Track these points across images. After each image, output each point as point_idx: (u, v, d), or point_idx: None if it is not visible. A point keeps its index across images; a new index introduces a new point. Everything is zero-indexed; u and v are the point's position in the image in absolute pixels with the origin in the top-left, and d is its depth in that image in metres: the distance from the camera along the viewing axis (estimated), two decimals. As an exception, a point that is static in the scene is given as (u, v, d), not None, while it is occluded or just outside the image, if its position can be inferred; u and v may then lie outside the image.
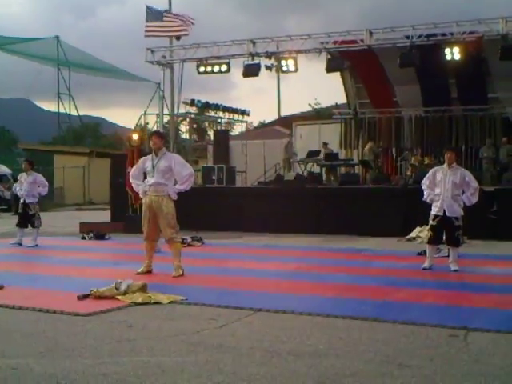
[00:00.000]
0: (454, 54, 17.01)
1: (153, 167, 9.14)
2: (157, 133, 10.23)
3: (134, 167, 9.74)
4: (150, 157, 9.35)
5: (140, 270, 9.27)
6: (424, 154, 21.32)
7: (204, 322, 6.22)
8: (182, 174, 9.15)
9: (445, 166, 9.89)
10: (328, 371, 4.67)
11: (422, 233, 14.74)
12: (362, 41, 17.41)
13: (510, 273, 9.73)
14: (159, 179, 9.11)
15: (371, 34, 17.25)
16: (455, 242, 9.78)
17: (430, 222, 9.91)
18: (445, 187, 9.66)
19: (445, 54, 17.11)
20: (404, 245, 14.05)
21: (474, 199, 9.79)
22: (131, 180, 9.64)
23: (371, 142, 21.80)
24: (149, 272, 9.31)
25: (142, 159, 9.71)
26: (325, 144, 21.60)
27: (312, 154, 20.63)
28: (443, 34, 16.83)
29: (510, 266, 10.46)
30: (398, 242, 14.58)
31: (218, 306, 6.94)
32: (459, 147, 21.53)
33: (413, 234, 14.92)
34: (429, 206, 9.98)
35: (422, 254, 11.72)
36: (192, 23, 21.52)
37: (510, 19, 16.09)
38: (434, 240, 9.93)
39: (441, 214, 9.66)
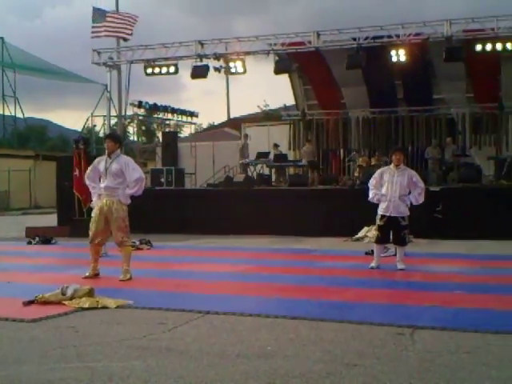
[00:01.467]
0: (399, 55, 17.26)
1: (105, 170, 9.02)
2: (110, 136, 9.96)
3: (89, 168, 9.54)
4: (104, 158, 9.20)
5: (87, 274, 9.14)
6: (371, 155, 21.60)
7: (152, 326, 6.16)
8: (133, 178, 9.03)
9: (392, 166, 10.02)
10: (276, 372, 4.67)
11: (369, 232, 14.93)
12: (309, 43, 17.51)
13: (455, 271, 9.93)
14: (110, 183, 8.99)
15: (318, 35, 17.36)
16: (402, 241, 9.92)
17: (377, 222, 10.04)
18: (392, 188, 9.78)
19: (391, 56, 17.35)
20: (351, 244, 14.20)
21: (421, 199, 9.95)
22: (87, 181, 9.47)
23: (309, 144, 21.96)
24: (96, 275, 9.18)
25: (96, 160, 9.50)
26: (275, 145, 21.66)
27: (261, 156, 20.67)
28: (389, 36, 17.04)
29: (455, 264, 10.66)
30: (346, 241, 14.73)
31: (166, 310, 6.88)
32: (406, 148, 21.89)
33: (360, 234, 15.10)
34: (376, 206, 10.10)
35: (370, 253, 11.85)
36: (135, 21, 21.38)
37: (454, 21, 16.38)
38: (381, 239, 10.04)
39: (387, 214, 9.79)
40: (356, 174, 19.23)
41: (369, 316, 6.43)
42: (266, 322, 6.31)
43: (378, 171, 10.24)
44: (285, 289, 8.39)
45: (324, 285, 8.66)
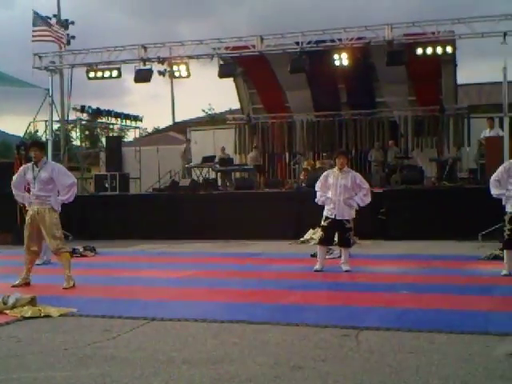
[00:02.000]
0: (342, 59, 17.41)
1: (34, 178, 8.85)
2: (35, 144, 9.55)
3: (15, 176, 9.31)
4: (30, 166, 9.00)
5: (17, 283, 8.93)
6: (316, 158, 21.80)
7: (96, 334, 6.06)
8: (64, 184, 8.87)
9: (336, 169, 10.10)
10: (222, 377, 4.64)
11: (315, 235, 15.00)
12: (253, 46, 17.52)
13: (399, 271, 10.07)
14: (40, 191, 8.81)
15: (262, 40, 17.38)
16: (346, 243, 10.01)
17: (322, 223, 10.10)
18: (336, 191, 9.87)
19: (334, 60, 17.51)
20: (297, 247, 14.26)
21: (367, 199, 10.06)
22: (12, 189, 9.26)
23: (255, 150, 22.06)
24: (26, 284, 8.95)
25: (22, 168, 9.27)
26: (223, 149, 21.64)
27: (207, 160, 20.60)
28: (332, 40, 17.18)
29: (399, 265, 10.81)
30: (292, 244, 14.79)
31: (110, 317, 6.77)
32: (349, 151, 22.14)
33: (306, 237, 15.19)
34: (322, 209, 10.16)
35: (315, 256, 11.93)
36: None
37: (395, 26, 16.59)
38: (324, 241, 10.10)
39: (332, 216, 9.86)
40: (301, 177, 19.34)
41: (314, 318, 6.47)
42: (212, 327, 6.27)
43: (324, 174, 10.30)
44: (231, 293, 8.36)
45: (270, 288, 8.67)
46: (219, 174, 20.94)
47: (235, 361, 5.08)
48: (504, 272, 9.23)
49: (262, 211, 16.62)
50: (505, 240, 9.34)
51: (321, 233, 10.23)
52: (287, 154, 23.02)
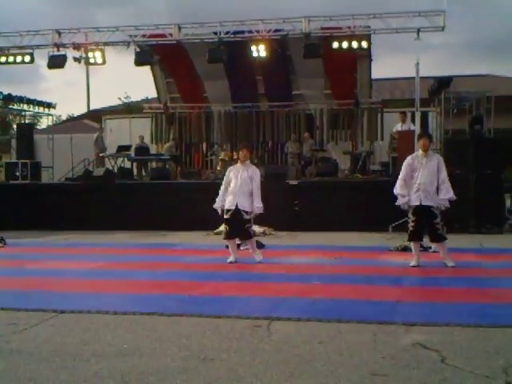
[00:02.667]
0: (259, 51, 17.47)
1: None
2: None
3: None
4: None
5: None
6: (233, 149, 21.79)
7: (1, 328, 5.87)
8: None
9: (238, 163, 10.20)
10: (132, 370, 4.58)
11: (230, 226, 15.06)
12: (170, 35, 17.35)
13: (312, 262, 10.20)
14: None
15: (180, 28, 17.23)
16: (246, 234, 10.03)
17: (224, 216, 10.11)
18: (236, 183, 9.93)
19: (251, 51, 17.55)
20: (213, 238, 14.25)
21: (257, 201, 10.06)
22: None
23: (172, 141, 21.93)
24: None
25: None
26: (141, 137, 21.34)
27: (122, 149, 20.26)
28: (250, 31, 17.21)
29: (313, 256, 10.95)
30: (208, 235, 14.78)
31: (17, 310, 6.58)
32: (266, 142, 22.28)
33: (222, 228, 15.15)
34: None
35: (228, 247, 11.97)
36: None
37: (312, 19, 16.76)
38: (230, 234, 10.10)
39: (233, 207, 9.90)
40: (218, 168, 19.32)
41: (227, 309, 6.46)
42: (123, 320, 6.19)
43: (229, 168, 10.38)
44: (143, 285, 8.26)
45: (183, 280, 8.63)
46: (135, 163, 20.65)
47: (146, 353, 5.03)
48: (412, 263, 9.50)
49: (179, 202, 16.54)
50: (409, 232, 9.59)
51: (225, 227, 10.20)
52: (204, 145, 22.93)
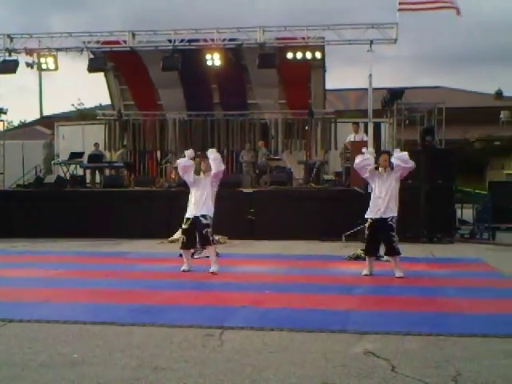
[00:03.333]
0: (214, 60, 17.48)
1: None
2: None
3: None
4: None
5: None
6: (188, 157, 21.69)
7: None
8: None
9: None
10: (82, 381, 4.53)
11: (184, 234, 14.99)
12: (124, 42, 17.22)
13: (266, 271, 10.19)
14: None
15: (134, 35, 17.12)
16: (205, 240, 9.94)
17: (182, 226, 10.05)
18: (197, 191, 9.90)
19: (206, 60, 17.54)
20: (167, 246, 14.16)
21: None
22: None
23: (123, 148, 21.79)
24: None
25: None
26: (96, 145, 21.10)
27: (74, 156, 20.00)
28: (205, 40, 17.19)
29: (266, 265, 10.94)
30: (161, 244, 14.68)
31: (-37, 320, 6.43)
32: (221, 151, 22.24)
33: (175, 236, 15.09)
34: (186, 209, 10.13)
35: (181, 255, 11.90)
36: None
37: (267, 29, 16.85)
38: (186, 244, 10.04)
39: (191, 216, 9.86)
40: (172, 176, 19.21)
41: (179, 319, 6.42)
42: (74, 329, 6.09)
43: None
44: (96, 293, 8.16)
45: (136, 288, 8.53)
46: (88, 170, 20.38)
47: (96, 363, 4.96)
48: (364, 272, 9.59)
49: (132, 210, 16.43)
50: (365, 245, 9.70)
51: (182, 236, 10.10)
52: (159, 153, 22.79)
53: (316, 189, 17.41)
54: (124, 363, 4.95)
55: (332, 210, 15.59)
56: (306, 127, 21.50)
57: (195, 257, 11.69)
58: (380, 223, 9.44)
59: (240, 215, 15.69)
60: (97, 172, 20.35)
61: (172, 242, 14.88)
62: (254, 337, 5.77)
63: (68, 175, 19.48)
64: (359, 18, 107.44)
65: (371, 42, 15.91)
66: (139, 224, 16.00)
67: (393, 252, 9.47)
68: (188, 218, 9.92)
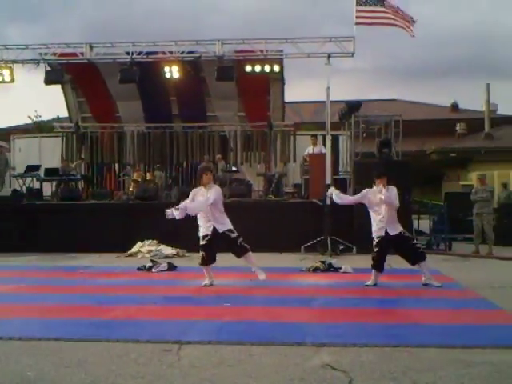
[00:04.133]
0: (173, 72, 17.46)
1: None
2: None
3: None
4: None
5: None
6: (147, 170, 21.62)
7: None
8: None
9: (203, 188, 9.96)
10: (34, 399, 4.43)
11: (143, 248, 14.91)
12: (82, 54, 17.10)
13: (223, 284, 10.10)
14: None
15: (91, 48, 17.02)
16: (243, 250, 10.06)
17: (201, 243, 9.82)
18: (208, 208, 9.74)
19: (164, 72, 17.51)
20: (125, 260, 14.03)
21: None
22: None
23: (80, 161, 21.62)
24: None
25: None
26: (64, 159, 20.93)
27: (31, 169, 19.71)
28: (163, 53, 17.16)
29: (223, 278, 10.84)
30: (119, 257, 14.53)
31: None
32: (180, 163, 22.20)
33: (134, 250, 15.00)
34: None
35: (142, 269, 11.84)
36: None
37: (225, 42, 16.89)
38: (206, 261, 9.84)
39: (209, 233, 9.76)
40: (131, 189, 19.08)
41: (136, 334, 6.35)
42: (28, 346, 5.98)
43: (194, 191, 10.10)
44: (51, 309, 8.01)
45: (93, 303, 8.41)
46: (44, 183, 20.08)
47: (50, 380, 4.91)
48: (369, 282, 9.79)
49: (90, 223, 16.23)
50: (373, 262, 9.79)
51: (202, 252, 9.84)
52: (117, 165, 22.63)
53: (275, 201, 17.44)
54: (79, 380, 4.89)
55: (291, 222, 15.64)
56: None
57: (153, 271, 11.66)
58: (388, 241, 9.64)
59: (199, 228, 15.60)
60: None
61: (130, 255, 14.77)
62: (211, 351, 5.73)
63: (24, 188, 19.17)
64: (317, 32, 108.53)
65: (329, 56, 16.08)
66: (97, 238, 15.80)
67: (420, 258, 9.67)
68: (206, 235, 9.73)
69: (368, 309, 7.99)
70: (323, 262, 12.06)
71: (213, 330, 6.59)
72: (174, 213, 9.59)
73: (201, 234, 9.80)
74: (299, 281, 10.59)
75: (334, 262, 12.28)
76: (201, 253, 9.86)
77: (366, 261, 11.77)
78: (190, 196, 9.97)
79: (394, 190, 9.85)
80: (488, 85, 47.18)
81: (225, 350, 5.77)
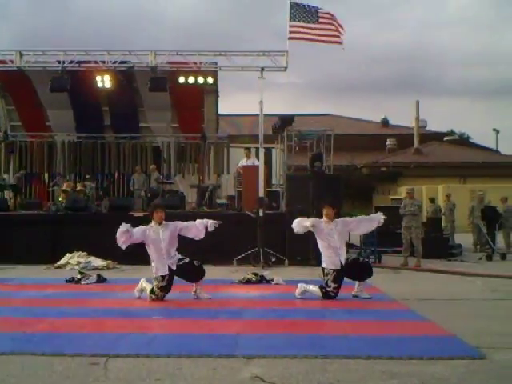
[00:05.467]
0: (105, 82, 17.29)
1: None
2: None
3: None
4: None
5: None
6: (77, 180, 21.25)
7: None
8: None
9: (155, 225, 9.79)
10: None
11: (72, 259, 14.64)
12: (11, 62, 16.72)
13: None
14: None
15: (21, 55, 16.66)
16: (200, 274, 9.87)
17: (160, 285, 9.50)
18: (160, 245, 9.59)
19: (96, 82, 17.30)
20: (53, 272, 13.73)
21: None
22: None
23: (23, 171, 21.17)
24: None
25: None
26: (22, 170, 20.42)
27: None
28: (95, 62, 16.92)
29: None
30: (47, 269, 14.21)
31: None
32: (112, 174, 21.92)
33: (63, 261, 14.70)
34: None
35: (71, 281, 11.62)
36: None
37: (158, 52, 16.80)
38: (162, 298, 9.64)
39: (167, 273, 9.55)
40: (60, 199, 18.70)
41: (63, 347, 6.19)
42: None
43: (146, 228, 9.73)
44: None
45: (18, 316, 8.18)
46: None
47: (-30, 396, 4.71)
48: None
49: (17, 234, 15.84)
50: (326, 295, 9.63)
51: (161, 293, 9.50)
52: (46, 175, 22.17)
53: (208, 213, 17.38)
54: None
55: (224, 234, 15.57)
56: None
57: (82, 283, 11.46)
58: (342, 270, 9.61)
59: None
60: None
61: (59, 267, 14.47)
62: (139, 364, 5.64)
63: None
64: (253, 47, 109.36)
65: (262, 69, 16.20)
66: (24, 249, 15.43)
67: (370, 273, 9.85)
68: (164, 275, 9.46)
69: (298, 320, 8.02)
70: (255, 274, 12.08)
71: (142, 342, 6.49)
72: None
73: (159, 273, 9.49)
74: (231, 293, 10.58)
75: (266, 273, 12.33)
76: (158, 292, 9.47)
77: (297, 273, 11.93)
78: (140, 232, 9.57)
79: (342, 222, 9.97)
80: (418, 102, 48.54)
81: (153, 363, 5.68)
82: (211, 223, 9.94)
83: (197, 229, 9.91)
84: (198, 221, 10.02)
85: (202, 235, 9.94)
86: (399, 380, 5.20)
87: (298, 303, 9.46)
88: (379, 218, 10.08)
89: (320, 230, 9.81)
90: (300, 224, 9.90)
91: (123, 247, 9.49)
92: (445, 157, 43.48)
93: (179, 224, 9.90)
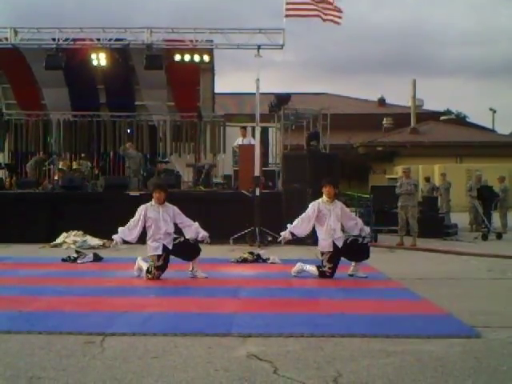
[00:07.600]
0: (100, 59, 17.18)
1: None
2: None
3: None
4: None
5: None
6: (73, 159, 21.20)
7: None
8: None
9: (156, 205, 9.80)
10: (-50, 394, 4.27)
11: (68, 238, 14.62)
12: (6, 39, 16.58)
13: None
14: None
15: (16, 32, 16.52)
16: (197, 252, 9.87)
17: (156, 264, 9.50)
18: (159, 223, 9.61)
19: (92, 60, 17.18)
20: (49, 251, 13.72)
21: None
22: None
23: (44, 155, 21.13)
24: None
25: None
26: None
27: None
28: (90, 39, 16.80)
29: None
30: (43, 248, 14.21)
31: None
32: (108, 153, 21.82)
33: (59, 240, 14.69)
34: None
35: (67, 260, 11.62)
36: None
37: (155, 30, 16.69)
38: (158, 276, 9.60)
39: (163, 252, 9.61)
40: (56, 178, 18.67)
41: (59, 325, 6.20)
42: None
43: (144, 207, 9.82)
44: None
45: (14, 294, 8.18)
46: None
47: (-33, 374, 4.71)
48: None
49: (13, 213, 15.81)
50: (322, 274, 9.69)
51: (158, 272, 9.51)
52: (42, 153, 22.06)
53: (204, 192, 17.38)
54: (-3, 373, 4.73)
55: (221, 213, 15.61)
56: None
57: (78, 262, 11.46)
58: (340, 250, 9.66)
59: (126, 219, 15.37)
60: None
61: (55, 246, 14.46)
62: (136, 342, 5.65)
63: None
64: (247, 24, 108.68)
65: (259, 47, 16.08)
66: (20, 228, 15.42)
67: (367, 255, 9.91)
68: (160, 255, 9.46)
69: (294, 299, 8.05)
70: (251, 253, 12.09)
71: (138, 321, 6.50)
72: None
73: (155, 253, 9.50)
74: (227, 272, 10.61)
75: (262, 252, 12.34)
76: (154, 271, 9.47)
77: (293, 252, 11.93)
78: (140, 212, 9.66)
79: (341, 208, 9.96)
80: (414, 80, 48.39)
81: (150, 341, 5.70)
82: (204, 236, 9.90)
83: (190, 231, 9.88)
84: (195, 226, 9.95)
85: (192, 236, 9.85)
86: (395, 358, 5.22)
87: (294, 282, 9.48)
88: (366, 232, 10.14)
89: (319, 210, 9.79)
90: (304, 229, 9.92)
91: (134, 241, 9.64)
92: (441, 136, 43.49)
93: (177, 215, 9.86)
